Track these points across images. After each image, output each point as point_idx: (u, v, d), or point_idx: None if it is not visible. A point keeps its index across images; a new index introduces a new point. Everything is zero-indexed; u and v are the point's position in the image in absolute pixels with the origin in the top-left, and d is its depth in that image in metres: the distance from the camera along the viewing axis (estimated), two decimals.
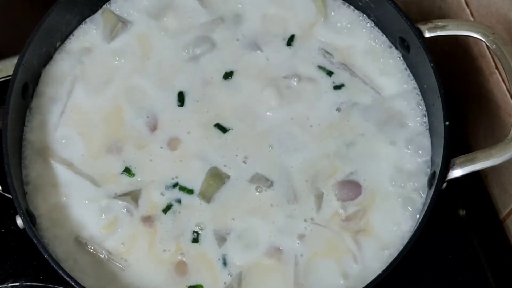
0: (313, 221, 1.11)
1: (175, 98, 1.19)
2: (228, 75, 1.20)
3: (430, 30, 1.12)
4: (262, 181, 1.13)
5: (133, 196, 1.12)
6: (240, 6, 1.25)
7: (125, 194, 1.12)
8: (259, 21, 1.24)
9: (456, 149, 1.08)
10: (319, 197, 1.12)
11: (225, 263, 1.09)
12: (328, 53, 1.22)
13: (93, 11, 1.24)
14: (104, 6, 1.24)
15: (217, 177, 1.13)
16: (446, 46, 1.32)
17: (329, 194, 1.13)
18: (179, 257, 1.10)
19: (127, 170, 1.14)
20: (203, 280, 1.09)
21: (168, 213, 1.12)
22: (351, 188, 1.13)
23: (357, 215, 1.11)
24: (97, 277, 1.08)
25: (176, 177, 1.14)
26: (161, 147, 1.16)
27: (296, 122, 1.17)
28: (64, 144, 1.16)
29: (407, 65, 1.20)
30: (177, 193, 1.13)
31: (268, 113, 1.18)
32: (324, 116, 1.18)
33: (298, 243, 1.10)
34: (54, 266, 1.02)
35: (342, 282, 1.08)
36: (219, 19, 1.23)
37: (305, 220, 1.11)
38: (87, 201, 1.12)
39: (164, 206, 1.12)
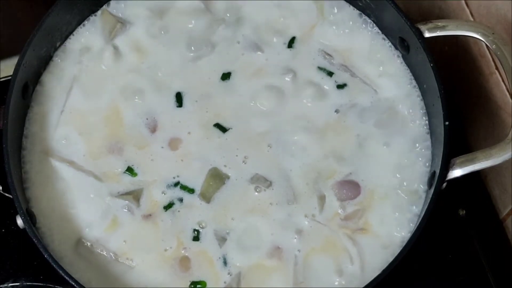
0: (314, 218, 1.11)
1: (173, 99, 1.19)
2: (226, 76, 1.20)
3: (430, 30, 1.12)
4: (261, 181, 1.13)
5: (134, 195, 1.12)
6: (241, 7, 1.24)
7: (127, 193, 1.12)
8: (260, 23, 1.24)
9: (456, 149, 1.08)
10: (322, 199, 1.12)
11: (225, 263, 1.09)
12: (328, 54, 1.22)
13: (93, 12, 1.24)
14: (104, 6, 1.24)
15: (217, 178, 1.13)
16: (446, 46, 1.32)
17: (330, 194, 1.13)
18: (182, 251, 1.10)
19: (129, 170, 1.14)
20: (205, 277, 1.09)
21: (169, 211, 1.12)
22: (350, 188, 1.13)
23: (356, 214, 1.12)
24: (99, 276, 1.08)
25: (178, 176, 1.14)
26: (162, 147, 1.16)
27: (294, 122, 1.17)
28: (64, 143, 1.16)
29: (407, 65, 1.20)
30: (178, 192, 1.13)
31: (267, 113, 1.18)
32: (323, 116, 1.18)
33: (295, 238, 1.10)
34: (55, 266, 1.02)
35: (339, 279, 1.08)
36: (220, 20, 1.23)
37: (305, 216, 1.12)
38: (90, 197, 1.12)
39: (165, 204, 1.12)
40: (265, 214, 1.12)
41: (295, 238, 1.11)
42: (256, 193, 1.13)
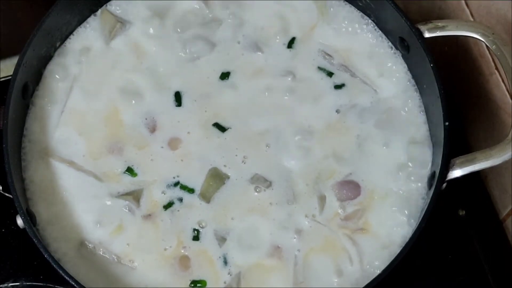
0: (314, 218, 1.11)
1: (172, 98, 1.19)
2: (225, 75, 1.20)
3: (430, 30, 1.12)
4: (261, 181, 1.13)
5: (135, 196, 1.12)
6: (242, 7, 1.24)
7: (127, 193, 1.12)
8: (260, 23, 1.23)
9: (456, 149, 1.08)
10: (322, 199, 1.12)
11: (225, 262, 1.10)
12: (328, 55, 1.22)
13: (93, 12, 1.24)
14: (104, 6, 1.24)
15: (217, 178, 1.13)
16: (446, 46, 1.32)
17: (330, 194, 1.13)
18: (181, 250, 1.10)
19: (129, 170, 1.14)
20: (205, 276, 1.09)
21: (169, 210, 1.12)
22: (350, 188, 1.13)
23: (356, 214, 1.12)
24: (100, 277, 1.08)
25: (177, 176, 1.14)
26: (162, 147, 1.16)
27: (294, 123, 1.17)
28: (64, 144, 1.16)
29: (407, 65, 1.20)
30: (178, 192, 1.13)
31: (266, 113, 1.18)
32: (323, 117, 1.18)
33: (295, 238, 1.10)
34: (55, 266, 1.02)
35: (338, 279, 1.08)
36: (220, 20, 1.23)
37: (305, 216, 1.12)
38: (90, 197, 1.12)
39: (165, 204, 1.12)
40: (265, 214, 1.12)
41: (295, 238, 1.11)
42: (256, 193, 1.13)
